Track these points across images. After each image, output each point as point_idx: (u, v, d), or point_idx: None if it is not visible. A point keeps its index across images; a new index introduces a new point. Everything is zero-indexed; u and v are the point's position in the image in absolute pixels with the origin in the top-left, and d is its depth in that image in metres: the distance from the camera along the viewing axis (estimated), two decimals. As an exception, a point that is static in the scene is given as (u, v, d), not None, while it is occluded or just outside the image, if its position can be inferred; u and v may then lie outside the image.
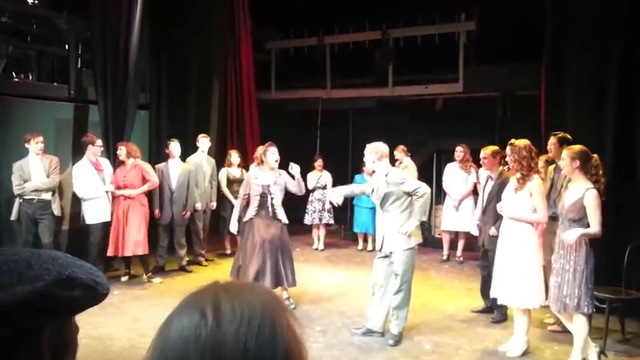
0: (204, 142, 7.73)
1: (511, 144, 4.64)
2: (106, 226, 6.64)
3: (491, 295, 4.84)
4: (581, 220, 4.13)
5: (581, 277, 4.12)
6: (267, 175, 5.73)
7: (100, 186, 6.64)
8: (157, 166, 7.18)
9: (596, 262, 4.20)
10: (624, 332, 5.02)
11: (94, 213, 6.62)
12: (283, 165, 5.92)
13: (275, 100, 11.13)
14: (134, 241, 6.50)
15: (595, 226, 4.08)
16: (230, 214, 7.74)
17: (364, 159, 5.14)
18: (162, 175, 7.05)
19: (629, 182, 5.68)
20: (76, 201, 6.99)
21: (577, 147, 4.27)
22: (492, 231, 5.28)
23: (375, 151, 4.98)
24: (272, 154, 5.71)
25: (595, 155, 4.26)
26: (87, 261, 0.90)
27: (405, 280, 4.85)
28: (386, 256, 4.93)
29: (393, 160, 8.39)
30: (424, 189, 4.78)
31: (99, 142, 6.81)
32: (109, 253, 6.56)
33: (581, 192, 4.13)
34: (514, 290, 4.50)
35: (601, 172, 4.23)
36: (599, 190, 4.14)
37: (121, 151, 6.65)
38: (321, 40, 10.56)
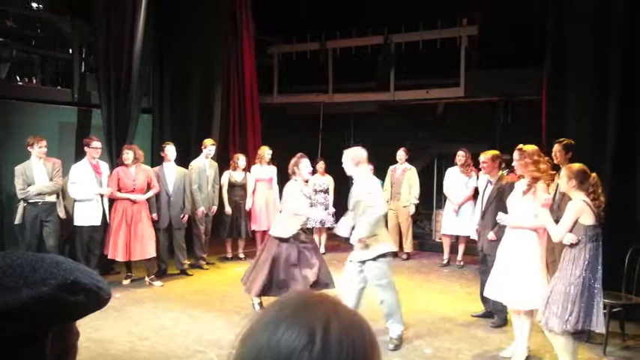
0: (212, 148, 7.71)
1: (519, 149, 4.65)
2: (95, 229, 6.59)
3: (485, 294, 4.80)
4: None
5: (575, 293, 3.90)
6: (304, 186, 5.70)
7: (95, 188, 6.55)
8: (151, 169, 7.13)
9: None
10: (624, 337, 5.04)
11: (84, 215, 6.51)
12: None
13: (277, 104, 11.18)
14: (147, 244, 6.57)
15: (557, 229, 4.02)
16: (230, 217, 7.85)
17: (343, 165, 4.89)
18: (158, 179, 7.02)
19: (630, 187, 5.68)
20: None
21: (576, 166, 4.14)
22: (491, 235, 5.28)
23: (352, 157, 4.81)
24: (305, 165, 5.64)
25: (593, 174, 4.10)
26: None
27: (384, 286, 4.81)
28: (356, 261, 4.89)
29: (394, 161, 8.47)
30: (376, 210, 4.69)
31: (95, 142, 6.66)
32: (122, 258, 6.53)
33: None
34: (519, 292, 4.45)
35: (600, 190, 4.05)
36: (598, 207, 3.99)
37: (128, 155, 6.62)
38: (323, 45, 10.62)
